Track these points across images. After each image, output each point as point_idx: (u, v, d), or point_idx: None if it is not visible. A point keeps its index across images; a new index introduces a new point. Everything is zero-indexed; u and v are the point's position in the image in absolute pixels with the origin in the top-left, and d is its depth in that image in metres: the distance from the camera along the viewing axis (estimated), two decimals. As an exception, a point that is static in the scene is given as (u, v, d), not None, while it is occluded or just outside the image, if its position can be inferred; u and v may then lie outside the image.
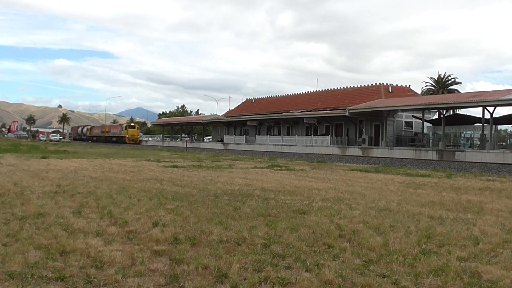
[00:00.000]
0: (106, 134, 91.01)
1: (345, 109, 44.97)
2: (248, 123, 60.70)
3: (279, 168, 18.47)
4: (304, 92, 63.88)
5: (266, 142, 54.53)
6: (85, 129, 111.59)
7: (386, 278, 4.11)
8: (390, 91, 49.83)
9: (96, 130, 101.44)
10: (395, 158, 34.11)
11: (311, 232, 5.81)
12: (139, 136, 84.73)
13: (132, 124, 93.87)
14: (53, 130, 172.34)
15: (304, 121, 50.99)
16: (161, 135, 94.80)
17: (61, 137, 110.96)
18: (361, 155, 39.60)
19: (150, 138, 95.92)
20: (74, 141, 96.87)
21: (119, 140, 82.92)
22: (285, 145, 50.96)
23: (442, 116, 39.16)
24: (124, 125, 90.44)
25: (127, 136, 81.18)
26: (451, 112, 43.27)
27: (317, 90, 61.47)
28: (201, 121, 73.92)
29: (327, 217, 6.92)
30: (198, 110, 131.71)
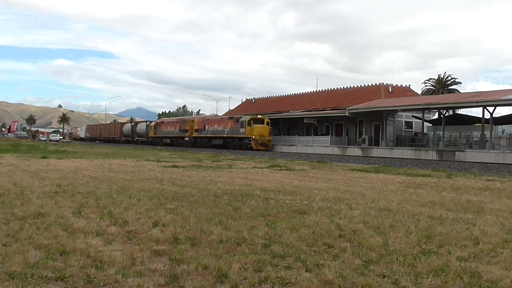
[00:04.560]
0: (197, 134, 56.83)
1: (345, 109, 44.98)
2: (248, 123, 60.25)
3: (279, 168, 18.47)
4: (304, 92, 63.95)
5: (266, 142, 54.12)
6: (140, 126, 73.47)
7: (386, 278, 4.10)
8: (390, 91, 49.88)
9: (170, 127, 64.31)
10: (395, 158, 34.11)
11: (311, 232, 5.81)
12: (270, 138, 49.37)
13: (258, 116, 50.11)
14: (53, 130, 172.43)
15: (304, 121, 50.97)
16: None
17: (61, 137, 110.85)
18: (361, 155, 39.60)
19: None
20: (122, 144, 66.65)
21: (231, 144, 49.47)
22: (285, 145, 50.89)
23: (442, 116, 39.17)
24: (244, 119, 49.29)
25: (252, 136, 46.75)
26: (451, 112, 43.28)
27: (317, 90, 61.52)
28: (202, 121, 72.63)
29: (327, 217, 6.92)
30: (199, 110, 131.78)
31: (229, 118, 53.15)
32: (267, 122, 49.22)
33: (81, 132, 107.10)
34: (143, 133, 71.29)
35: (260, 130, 47.80)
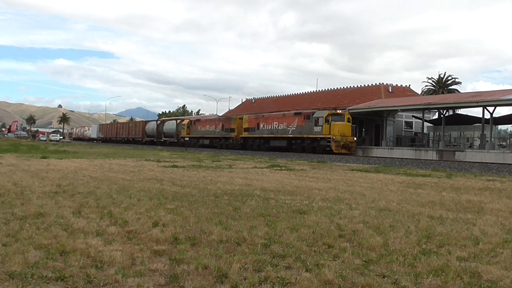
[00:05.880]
0: (247, 134, 46.82)
1: (345, 109, 44.95)
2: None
3: (279, 168, 18.47)
4: (304, 92, 64.00)
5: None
6: (168, 125, 63.69)
7: (386, 278, 4.11)
8: (390, 91, 49.93)
9: (210, 125, 54.12)
10: (395, 158, 34.09)
11: (311, 232, 5.81)
12: (354, 138, 38.77)
13: (338, 111, 39.93)
14: (53, 130, 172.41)
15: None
16: None
17: (61, 137, 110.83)
18: (361, 155, 39.58)
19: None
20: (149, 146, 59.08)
21: (299, 146, 40.02)
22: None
23: (442, 116, 39.18)
24: (320, 115, 38.92)
25: (333, 137, 36.83)
26: (451, 112, 43.29)
27: (317, 90, 61.57)
28: (201, 121, 72.08)
29: (327, 217, 6.92)
30: (199, 110, 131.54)
31: (296, 114, 42.44)
32: (348, 119, 38.90)
33: (92, 132, 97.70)
34: (172, 133, 61.67)
35: (341, 129, 37.56)
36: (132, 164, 19.16)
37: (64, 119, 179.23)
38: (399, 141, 43.33)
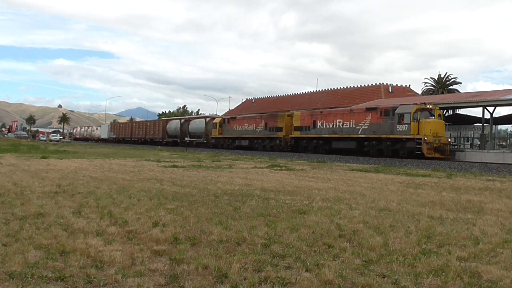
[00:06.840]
0: (299, 134, 38.84)
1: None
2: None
3: (279, 168, 18.47)
4: (304, 92, 64.04)
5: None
6: (195, 123, 57.35)
7: (386, 278, 4.11)
8: (390, 91, 50.01)
9: (248, 124, 45.96)
10: (395, 158, 34.03)
11: (311, 232, 5.82)
12: (448, 140, 30.67)
13: (429, 106, 29.96)
14: (53, 130, 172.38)
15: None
16: None
17: (61, 137, 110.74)
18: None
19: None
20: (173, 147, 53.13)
21: (375, 148, 32.50)
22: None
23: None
24: (405, 110, 30.35)
25: (424, 137, 28.70)
26: (451, 112, 43.29)
27: (318, 90, 61.61)
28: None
29: (327, 217, 6.92)
30: (198, 110, 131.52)
31: (368, 109, 34.17)
32: (439, 115, 31.18)
33: (101, 132, 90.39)
34: (200, 132, 54.93)
35: (434, 127, 29.58)
36: (132, 164, 19.16)
37: (64, 119, 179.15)
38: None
